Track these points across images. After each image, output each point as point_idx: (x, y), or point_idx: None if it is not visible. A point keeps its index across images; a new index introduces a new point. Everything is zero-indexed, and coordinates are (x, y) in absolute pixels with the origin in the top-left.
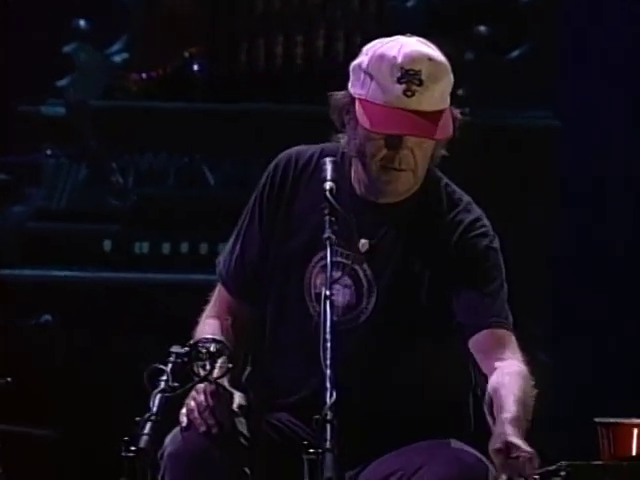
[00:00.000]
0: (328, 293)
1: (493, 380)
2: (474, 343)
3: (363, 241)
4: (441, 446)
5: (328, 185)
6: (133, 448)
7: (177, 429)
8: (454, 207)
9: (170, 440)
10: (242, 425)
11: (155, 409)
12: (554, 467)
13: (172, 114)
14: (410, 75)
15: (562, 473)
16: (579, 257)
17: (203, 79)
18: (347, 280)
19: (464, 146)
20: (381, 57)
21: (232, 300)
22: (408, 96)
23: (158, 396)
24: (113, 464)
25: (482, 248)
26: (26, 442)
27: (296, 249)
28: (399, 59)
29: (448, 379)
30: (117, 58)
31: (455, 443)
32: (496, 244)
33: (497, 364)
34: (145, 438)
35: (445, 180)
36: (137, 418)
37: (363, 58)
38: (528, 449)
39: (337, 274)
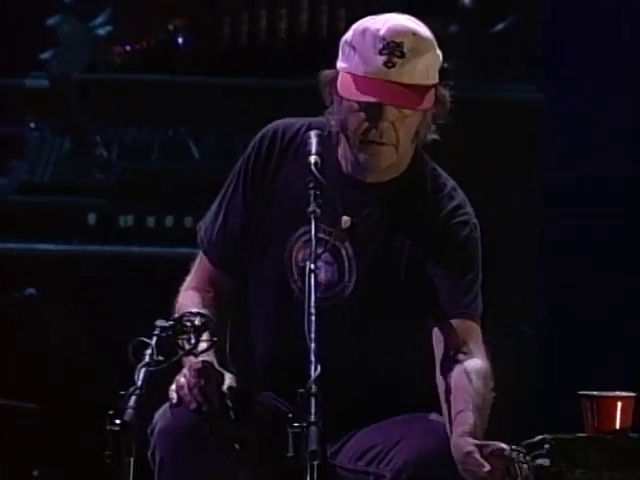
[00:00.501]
0: (312, 267)
1: (454, 378)
2: (440, 330)
3: (345, 218)
4: (420, 419)
5: (313, 159)
6: (118, 422)
7: (167, 405)
8: (438, 192)
9: (160, 416)
10: (231, 403)
11: (140, 383)
12: (537, 439)
13: (156, 87)
14: (392, 47)
15: (546, 446)
16: (563, 228)
17: (187, 52)
18: (329, 257)
19: (447, 119)
20: (365, 30)
21: (213, 270)
22: (388, 67)
23: (143, 370)
24: (98, 438)
25: (462, 237)
26: (10, 416)
27: (278, 222)
28: (382, 31)
29: (427, 356)
30: (101, 31)
31: (434, 416)
32: (476, 234)
33: (460, 357)
34: (130, 411)
35: (432, 164)
36: (122, 392)
37: (350, 32)
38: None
39: (319, 250)
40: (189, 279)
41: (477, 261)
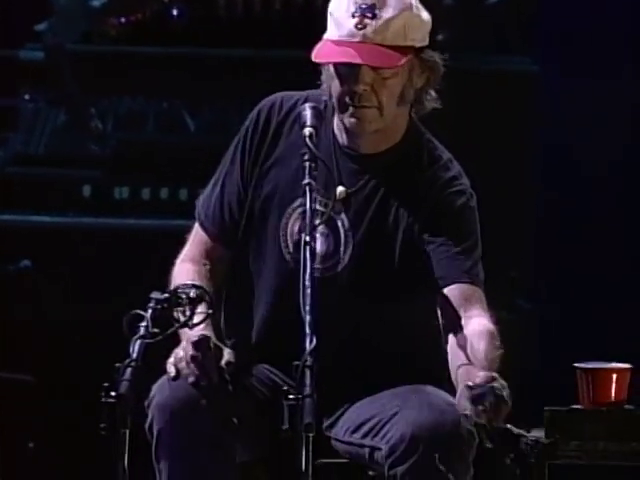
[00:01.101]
0: (308, 239)
1: (460, 340)
2: (443, 297)
3: (340, 189)
4: (416, 391)
5: (307, 131)
6: (113, 394)
7: (164, 378)
8: (434, 163)
9: (157, 389)
10: (229, 378)
11: (135, 355)
12: None
13: (151, 59)
14: (363, 9)
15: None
16: (560, 201)
17: (182, 24)
18: (325, 229)
19: (441, 90)
20: None
21: (210, 243)
22: (359, 29)
23: (138, 342)
24: (93, 410)
25: (458, 206)
26: (5, 388)
27: (275, 194)
28: None
29: (423, 329)
30: (96, 2)
31: (430, 389)
32: (473, 203)
33: (465, 321)
34: (125, 384)
35: (428, 135)
36: (117, 364)
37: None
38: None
39: (315, 222)
40: (184, 251)
41: (475, 229)
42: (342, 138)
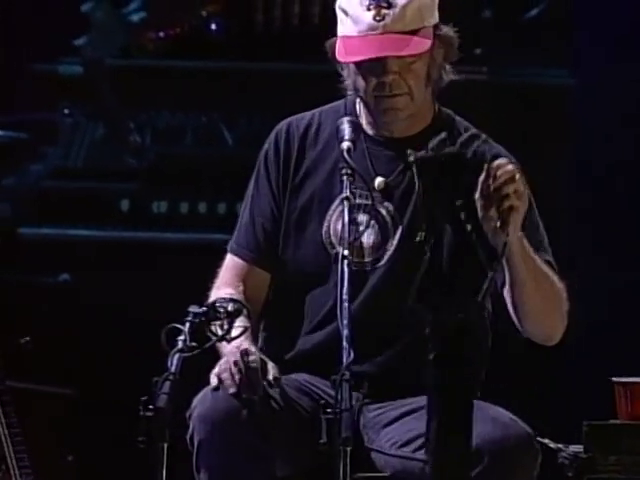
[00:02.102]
0: (346, 253)
1: None
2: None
3: (379, 179)
4: (476, 407)
5: (345, 145)
6: (151, 407)
7: (206, 389)
8: (473, 139)
9: (199, 400)
10: (275, 394)
11: (173, 369)
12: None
13: (189, 73)
14: (378, 0)
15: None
16: (595, 212)
17: (220, 38)
18: (371, 220)
19: (480, 104)
20: None
21: (246, 268)
22: (377, 21)
23: (176, 356)
24: (131, 423)
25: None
26: (44, 401)
27: (311, 203)
28: None
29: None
30: (134, 17)
31: (488, 404)
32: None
33: None
34: (163, 397)
35: (457, 117)
36: (155, 378)
37: None
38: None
39: (360, 217)
40: (218, 281)
41: (532, 201)
42: (372, 129)
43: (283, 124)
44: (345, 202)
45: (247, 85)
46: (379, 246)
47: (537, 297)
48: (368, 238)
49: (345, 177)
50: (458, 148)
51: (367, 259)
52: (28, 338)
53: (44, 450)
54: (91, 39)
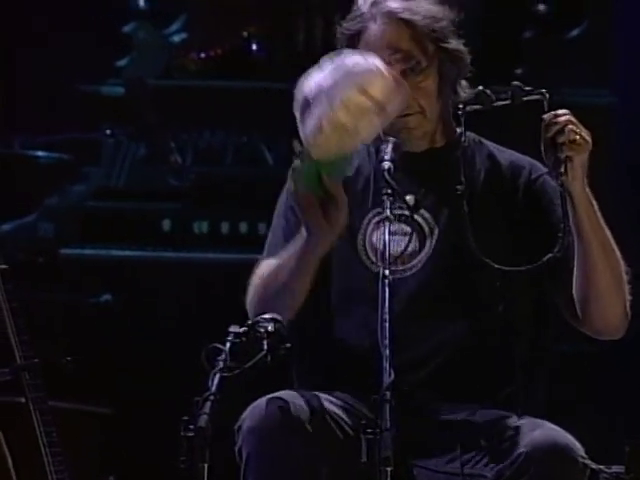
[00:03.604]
0: (387, 273)
1: None
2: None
3: (409, 197)
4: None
5: (386, 164)
6: (192, 427)
7: (255, 403)
8: (499, 150)
9: (248, 414)
10: (320, 409)
11: (214, 389)
12: None
13: (230, 93)
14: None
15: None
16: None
17: (261, 58)
18: (406, 228)
19: (521, 123)
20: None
21: None
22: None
23: (217, 376)
24: (171, 443)
25: (552, 187)
26: (86, 420)
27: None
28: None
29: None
30: (176, 38)
31: (532, 418)
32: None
33: None
34: (204, 417)
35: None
36: (196, 398)
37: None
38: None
39: (395, 226)
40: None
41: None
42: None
43: None
44: (386, 222)
45: (288, 105)
46: (417, 252)
47: (605, 268)
48: (405, 246)
49: (386, 197)
50: None
51: (403, 266)
52: (70, 358)
53: (85, 470)
54: (133, 60)
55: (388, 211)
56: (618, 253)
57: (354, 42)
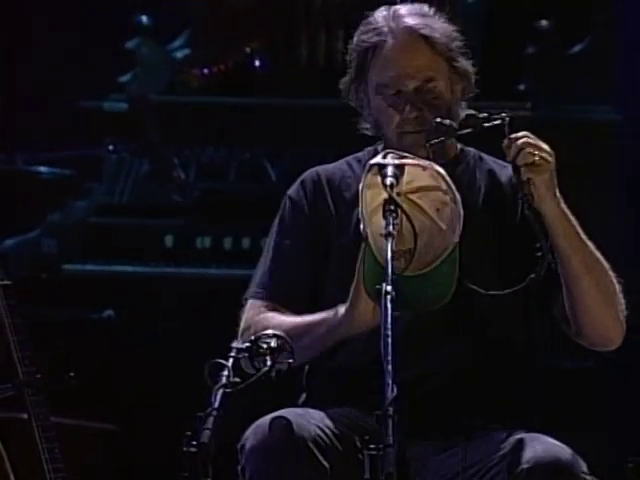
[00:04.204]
0: (389, 289)
1: None
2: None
3: None
4: (523, 436)
5: (389, 181)
6: (195, 443)
7: (258, 422)
8: (500, 166)
9: (250, 433)
10: (323, 426)
11: (216, 404)
12: None
13: (233, 109)
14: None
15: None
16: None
17: (264, 74)
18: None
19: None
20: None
21: (271, 307)
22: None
23: (220, 391)
24: (174, 459)
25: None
26: (88, 437)
27: (352, 241)
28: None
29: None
30: (179, 54)
31: (535, 434)
32: None
33: None
34: (207, 433)
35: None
36: (198, 413)
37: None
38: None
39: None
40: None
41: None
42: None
43: (308, 173)
44: (389, 238)
45: (291, 121)
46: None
47: (590, 283)
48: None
49: (388, 213)
50: None
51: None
52: (72, 374)
53: None
54: (136, 76)
55: (391, 227)
56: (606, 266)
57: (368, 55)
